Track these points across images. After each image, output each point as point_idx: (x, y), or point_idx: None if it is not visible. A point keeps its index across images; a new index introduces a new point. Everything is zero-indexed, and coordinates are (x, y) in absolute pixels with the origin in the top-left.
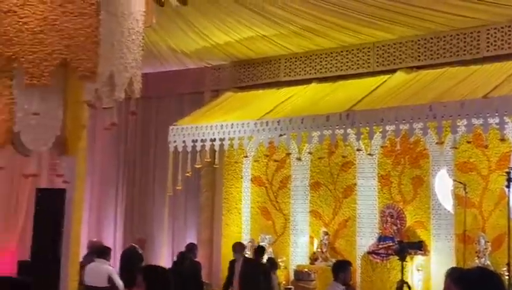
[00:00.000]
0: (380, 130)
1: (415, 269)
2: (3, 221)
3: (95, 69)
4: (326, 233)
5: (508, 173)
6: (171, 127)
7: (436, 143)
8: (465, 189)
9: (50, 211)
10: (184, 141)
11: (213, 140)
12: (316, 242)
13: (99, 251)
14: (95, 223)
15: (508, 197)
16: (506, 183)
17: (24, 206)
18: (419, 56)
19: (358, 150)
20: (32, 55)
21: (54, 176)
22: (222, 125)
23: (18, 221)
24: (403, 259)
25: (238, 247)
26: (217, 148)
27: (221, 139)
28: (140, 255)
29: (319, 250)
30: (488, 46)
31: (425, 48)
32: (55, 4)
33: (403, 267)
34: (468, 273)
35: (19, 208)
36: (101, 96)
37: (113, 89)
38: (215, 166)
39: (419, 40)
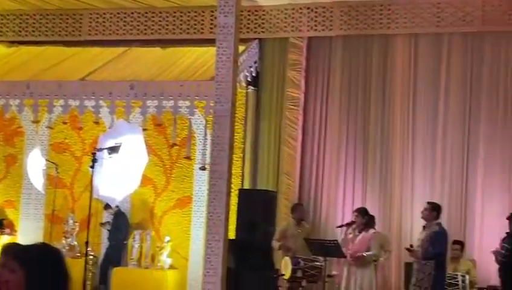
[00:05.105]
0: None
1: None
2: None
3: None
4: None
5: (94, 154)
6: None
7: (32, 122)
8: (57, 169)
9: None
10: None
11: None
12: None
13: None
14: None
15: (92, 178)
16: (91, 163)
17: None
18: (20, 31)
19: None
20: None
21: None
22: None
23: None
24: None
25: None
26: None
27: None
28: None
29: None
30: (89, 30)
31: (27, 23)
32: None
33: None
34: (28, 249)
35: None
36: None
37: None
38: None
39: (21, 15)
